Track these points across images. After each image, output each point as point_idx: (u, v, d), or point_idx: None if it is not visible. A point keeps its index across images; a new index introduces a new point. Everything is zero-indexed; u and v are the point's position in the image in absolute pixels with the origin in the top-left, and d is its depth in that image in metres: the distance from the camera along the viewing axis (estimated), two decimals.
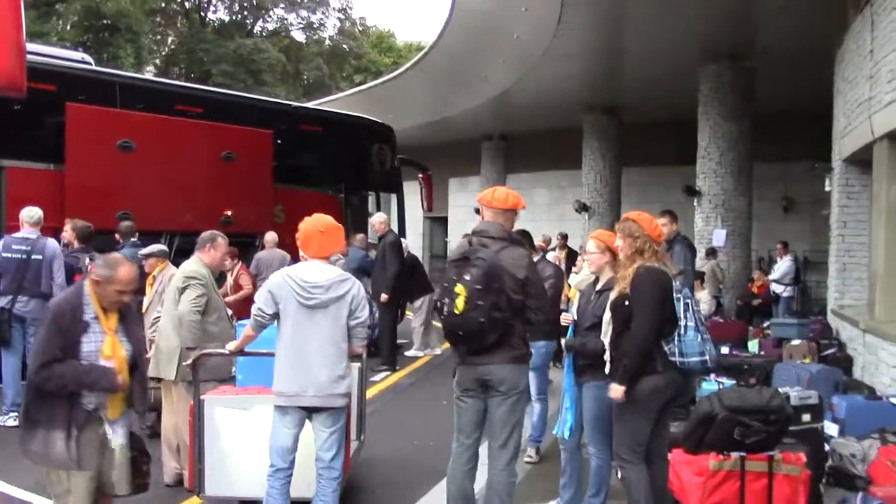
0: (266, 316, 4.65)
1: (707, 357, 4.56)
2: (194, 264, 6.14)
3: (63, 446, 3.94)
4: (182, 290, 5.96)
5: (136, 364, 4.25)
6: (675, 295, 4.63)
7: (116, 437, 4.16)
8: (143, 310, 7.78)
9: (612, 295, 4.87)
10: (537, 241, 10.54)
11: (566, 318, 5.54)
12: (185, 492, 5.72)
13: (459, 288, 4.55)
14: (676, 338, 4.57)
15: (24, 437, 4.00)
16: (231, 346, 5.03)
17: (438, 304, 4.73)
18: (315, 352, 4.55)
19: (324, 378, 4.55)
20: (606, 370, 4.85)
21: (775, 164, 18.38)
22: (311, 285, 4.57)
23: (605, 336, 4.92)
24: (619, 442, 4.81)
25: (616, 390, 4.63)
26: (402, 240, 13.15)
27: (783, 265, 15.96)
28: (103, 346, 4.06)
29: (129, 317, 4.28)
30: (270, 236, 11.35)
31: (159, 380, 6.52)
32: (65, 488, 3.99)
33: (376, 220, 12.04)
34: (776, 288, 15.74)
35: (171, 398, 6.12)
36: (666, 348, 4.57)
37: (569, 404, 5.42)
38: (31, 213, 8.13)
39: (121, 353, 4.11)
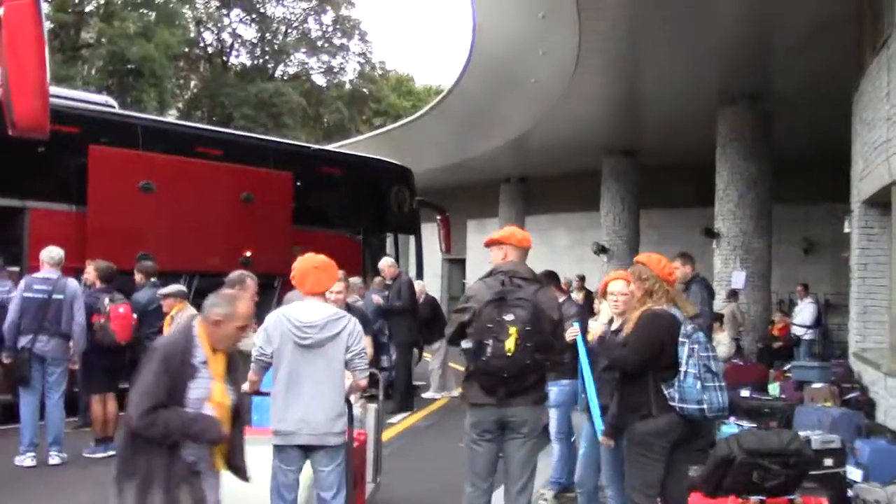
0: (267, 355, 4.69)
1: (705, 406, 4.51)
2: None
3: (162, 502, 3.65)
4: None
5: (239, 413, 4.02)
6: (680, 339, 4.61)
7: (212, 495, 3.90)
8: None
9: (622, 336, 4.87)
10: None
11: (571, 333, 5.53)
12: None
13: (513, 329, 4.50)
14: (676, 383, 4.56)
15: (117, 490, 3.68)
16: (245, 387, 5.04)
17: (479, 345, 4.59)
18: (310, 391, 4.58)
19: (320, 417, 4.59)
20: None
21: (795, 205, 18.32)
22: (305, 325, 4.61)
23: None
24: (629, 486, 4.78)
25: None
26: (419, 281, 13.18)
27: (804, 308, 15.82)
28: (212, 393, 3.79)
29: (234, 363, 3.99)
30: None
31: None
32: None
33: (385, 264, 11.98)
34: (797, 331, 15.58)
35: None
36: (666, 392, 4.56)
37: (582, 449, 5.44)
38: (51, 253, 8.20)
39: (227, 401, 3.86)
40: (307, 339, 4.60)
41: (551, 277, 7.17)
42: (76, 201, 10.60)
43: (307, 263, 4.87)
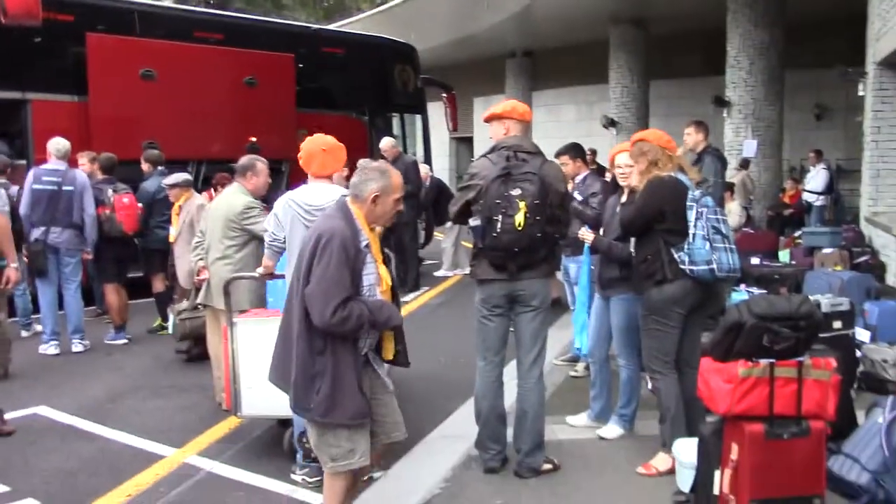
0: (279, 239, 4.72)
1: (714, 266, 4.57)
2: (241, 194, 5.96)
3: (356, 397, 3.49)
4: (241, 222, 5.87)
5: (395, 294, 3.86)
6: (688, 203, 4.63)
7: (388, 380, 3.79)
8: (173, 239, 7.84)
9: (623, 200, 4.93)
10: None
11: (584, 235, 5.54)
12: (224, 412, 5.85)
13: (522, 204, 4.48)
14: (686, 245, 4.60)
15: (302, 393, 3.50)
16: (259, 271, 5.09)
17: (487, 221, 4.54)
18: None
19: None
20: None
21: (807, 71, 17.92)
22: (314, 208, 4.58)
23: (632, 246, 4.94)
24: (647, 354, 4.87)
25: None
26: (424, 165, 13.11)
27: (816, 174, 15.71)
28: (381, 277, 3.63)
29: (378, 240, 3.73)
30: None
31: (195, 308, 6.96)
32: (347, 448, 3.55)
33: (386, 144, 11.70)
34: (809, 197, 15.54)
35: (218, 324, 6.07)
36: (676, 256, 4.60)
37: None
38: (58, 144, 8.16)
39: (390, 282, 3.71)
40: (315, 221, 4.59)
41: (577, 151, 7.10)
42: (77, 91, 10.48)
43: (314, 145, 4.81)
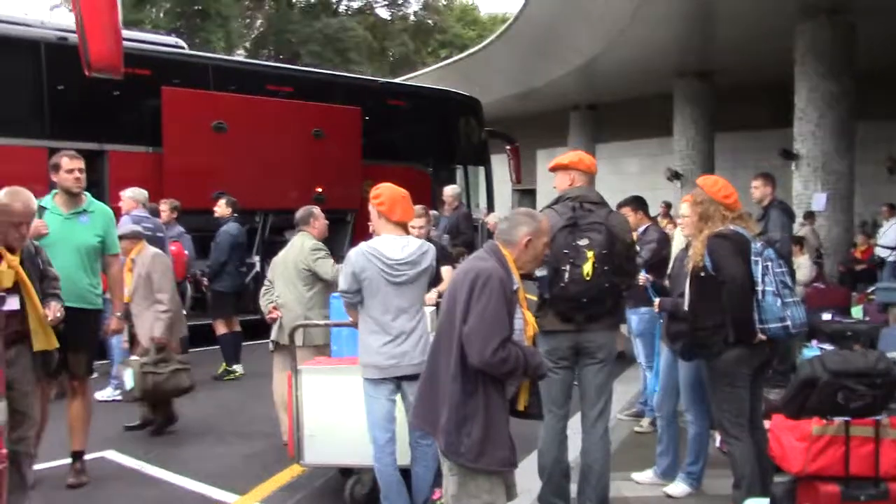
0: (352, 296, 4.62)
1: (789, 322, 4.42)
2: (308, 238, 6.44)
3: (507, 443, 3.43)
4: (310, 262, 6.28)
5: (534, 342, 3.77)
6: (753, 258, 4.50)
7: None
8: (128, 298, 6.91)
9: (689, 265, 4.76)
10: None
11: (642, 279, 5.48)
12: (287, 459, 5.86)
13: (590, 253, 4.47)
14: (755, 303, 4.44)
15: (454, 436, 3.38)
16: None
17: (555, 272, 4.52)
18: (405, 324, 4.55)
19: (417, 347, 4.55)
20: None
21: (879, 122, 17.62)
22: (398, 262, 4.53)
23: (686, 304, 4.82)
24: (720, 416, 4.73)
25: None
26: (494, 214, 13.10)
27: (889, 228, 15.30)
28: (527, 322, 3.60)
29: None
30: None
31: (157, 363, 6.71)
32: (487, 500, 3.43)
33: (448, 192, 11.46)
34: (881, 252, 15.09)
35: (285, 364, 6.06)
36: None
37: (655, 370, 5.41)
38: (143, 194, 8.51)
39: (536, 328, 3.71)
40: (401, 276, 4.54)
41: (639, 203, 7.08)
42: (152, 143, 10.82)
43: (394, 192, 4.72)
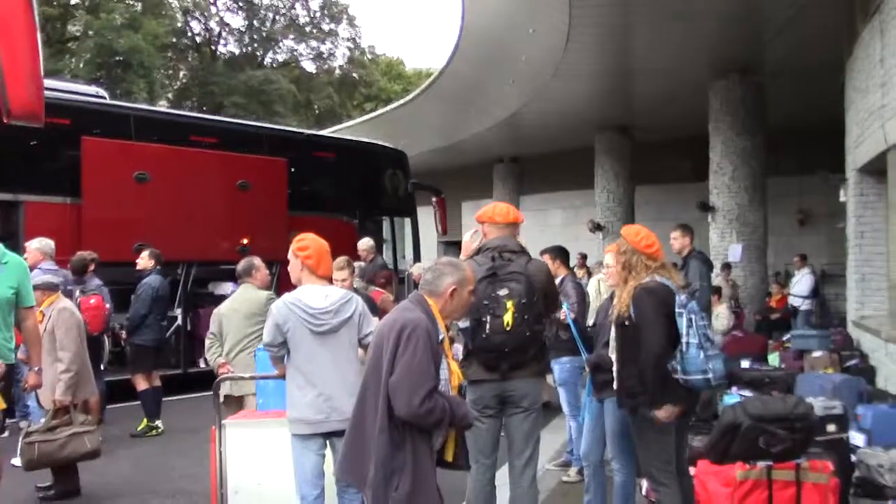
0: (276, 348, 4.55)
1: (710, 375, 4.46)
2: (254, 290, 6.70)
3: (434, 495, 3.41)
4: (265, 311, 6.01)
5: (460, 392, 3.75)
6: (677, 310, 4.55)
7: None
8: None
9: (613, 313, 4.83)
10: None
11: (562, 314, 5.56)
12: None
13: (510, 303, 4.51)
14: (679, 355, 4.48)
15: (381, 490, 3.36)
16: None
17: (476, 323, 4.55)
18: (331, 377, 4.46)
19: (345, 400, 4.35)
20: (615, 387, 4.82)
21: (790, 177, 18.34)
22: (319, 311, 4.49)
23: (613, 353, 4.88)
24: (647, 464, 4.74)
25: (662, 412, 4.45)
26: (419, 264, 13.12)
27: (802, 278, 15.87)
28: (452, 373, 3.57)
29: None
30: None
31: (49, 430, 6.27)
32: None
33: (363, 245, 11.37)
34: (795, 301, 15.64)
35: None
36: (668, 365, 4.51)
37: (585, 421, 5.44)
38: (50, 245, 8.24)
39: (462, 378, 3.67)
40: (323, 326, 4.48)
41: (558, 252, 7.19)
42: (71, 193, 10.58)
43: (320, 245, 4.69)
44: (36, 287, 6.54)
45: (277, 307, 4.57)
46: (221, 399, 6.00)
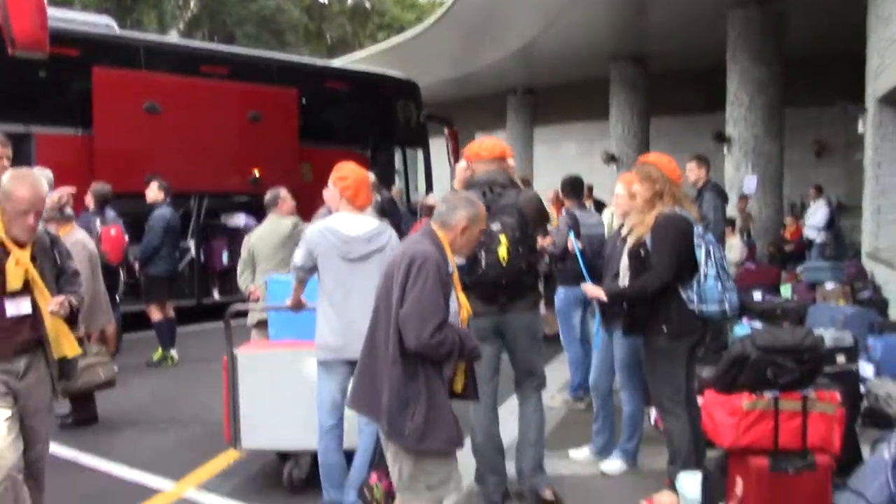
0: (305, 273, 4.61)
1: (727, 306, 4.53)
2: (282, 219, 7.01)
3: (451, 422, 3.43)
4: (296, 236, 6.48)
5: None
6: (696, 241, 4.57)
7: None
8: None
9: (629, 242, 4.83)
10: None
11: (570, 244, 5.69)
12: (225, 445, 5.79)
13: (503, 237, 4.53)
14: (696, 285, 4.52)
15: (396, 419, 3.38)
16: (288, 301, 4.94)
17: (472, 259, 4.52)
18: (358, 305, 4.39)
19: None
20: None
21: (807, 108, 18.04)
22: (351, 239, 4.50)
23: (623, 281, 4.89)
24: (658, 393, 4.81)
25: (597, 291, 4.84)
26: (432, 194, 13.11)
27: (817, 210, 15.74)
28: (461, 305, 3.60)
29: None
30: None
31: None
32: (440, 477, 3.47)
33: None
34: (810, 233, 15.54)
35: None
36: (684, 295, 4.53)
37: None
38: (48, 175, 8.20)
39: (470, 311, 3.70)
40: (353, 253, 4.48)
41: (575, 185, 7.14)
42: (81, 125, 10.55)
43: (360, 175, 4.67)
44: (50, 219, 6.62)
45: (311, 232, 4.63)
46: (254, 322, 6.54)
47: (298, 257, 4.62)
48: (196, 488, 5.32)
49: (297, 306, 4.87)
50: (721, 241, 8.83)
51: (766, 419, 3.75)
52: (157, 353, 9.06)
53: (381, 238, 4.59)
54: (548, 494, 4.73)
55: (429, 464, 3.44)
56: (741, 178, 15.09)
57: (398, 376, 3.37)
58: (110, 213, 8.84)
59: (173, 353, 9.09)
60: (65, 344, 3.95)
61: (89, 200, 8.85)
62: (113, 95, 10.68)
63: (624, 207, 5.28)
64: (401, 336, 3.37)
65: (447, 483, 3.50)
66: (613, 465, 5.38)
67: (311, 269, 4.59)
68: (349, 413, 4.51)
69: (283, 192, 7.28)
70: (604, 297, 4.84)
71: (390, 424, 3.39)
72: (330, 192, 4.77)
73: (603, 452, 5.53)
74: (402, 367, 3.37)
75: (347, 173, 4.66)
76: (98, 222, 8.54)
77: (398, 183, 15.61)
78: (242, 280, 7.08)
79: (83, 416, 6.74)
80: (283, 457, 5.25)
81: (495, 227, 4.54)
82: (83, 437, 6.40)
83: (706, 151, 11.26)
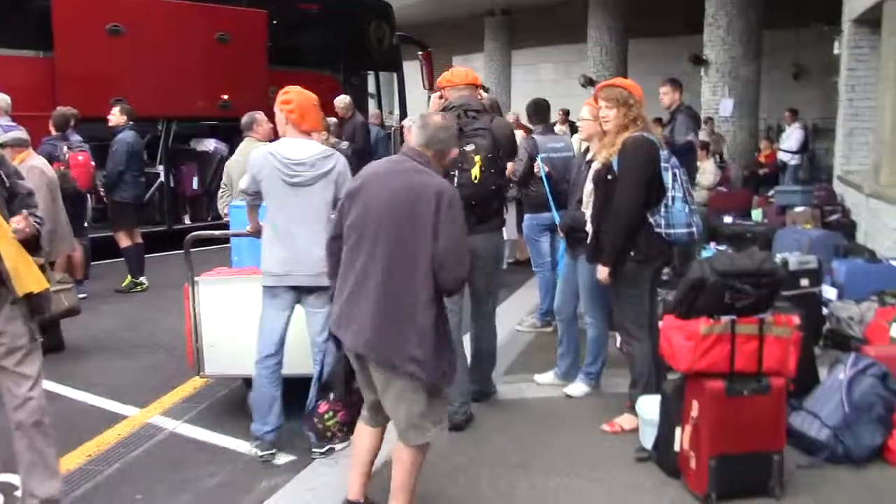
0: (251, 197, 4.54)
1: (694, 229, 4.54)
2: (256, 143, 6.61)
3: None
4: None
5: None
6: (662, 164, 4.53)
7: None
8: None
9: (595, 165, 4.78)
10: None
11: (536, 167, 5.98)
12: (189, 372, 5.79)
13: (477, 158, 4.66)
14: (663, 209, 4.50)
15: (434, 364, 3.29)
16: (248, 228, 4.89)
17: (445, 177, 4.54)
18: (302, 230, 4.38)
19: (314, 257, 4.24)
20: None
21: (785, 30, 17.86)
22: (294, 163, 4.39)
23: (587, 208, 4.86)
24: (622, 318, 4.82)
25: (602, 272, 4.67)
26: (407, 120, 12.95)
27: (791, 133, 15.71)
28: None
29: None
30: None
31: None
32: (441, 413, 3.55)
33: (340, 103, 11.50)
34: (784, 156, 15.55)
35: None
36: (651, 219, 4.50)
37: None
38: (6, 99, 7.99)
39: None
40: (296, 177, 4.38)
41: (538, 107, 7.17)
42: (42, 46, 10.26)
43: (305, 98, 4.54)
44: (5, 144, 6.47)
45: (254, 156, 4.53)
46: None
47: (243, 181, 4.58)
48: (161, 415, 5.33)
49: (257, 232, 4.77)
50: (694, 162, 8.80)
51: (723, 343, 3.76)
52: (126, 280, 8.99)
53: (325, 163, 4.46)
54: None
55: (439, 402, 3.49)
56: (718, 101, 15.01)
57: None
58: (75, 137, 8.64)
59: (143, 279, 9.03)
60: (27, 278, 3.59)
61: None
62: (74, 16, 10.34)
63: (588, 131, 5.21)
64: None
65: (444, 417, 3.62)
66: (577, 388, 5.43)
67: (256, 194, 4.50)
68: (292, 341, 4.50)
69: (260, 116, 7.06)
70: (605, 276, 4.69)
71: (425, 368, 3.27)
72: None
73: (567, 376, 5.57)
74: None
75: (292, 97, 4.53)
76: (65, 147, 8.34)
77: (372, 106, 15.41)
78: (221, 204, 7.04)
79: (49, 343, 6.67)
80: (249, 383, 5.24)
81: (469, 147, 4.65)
82: (49, 365, 6.23)
83: (683, 74, 11.15)
